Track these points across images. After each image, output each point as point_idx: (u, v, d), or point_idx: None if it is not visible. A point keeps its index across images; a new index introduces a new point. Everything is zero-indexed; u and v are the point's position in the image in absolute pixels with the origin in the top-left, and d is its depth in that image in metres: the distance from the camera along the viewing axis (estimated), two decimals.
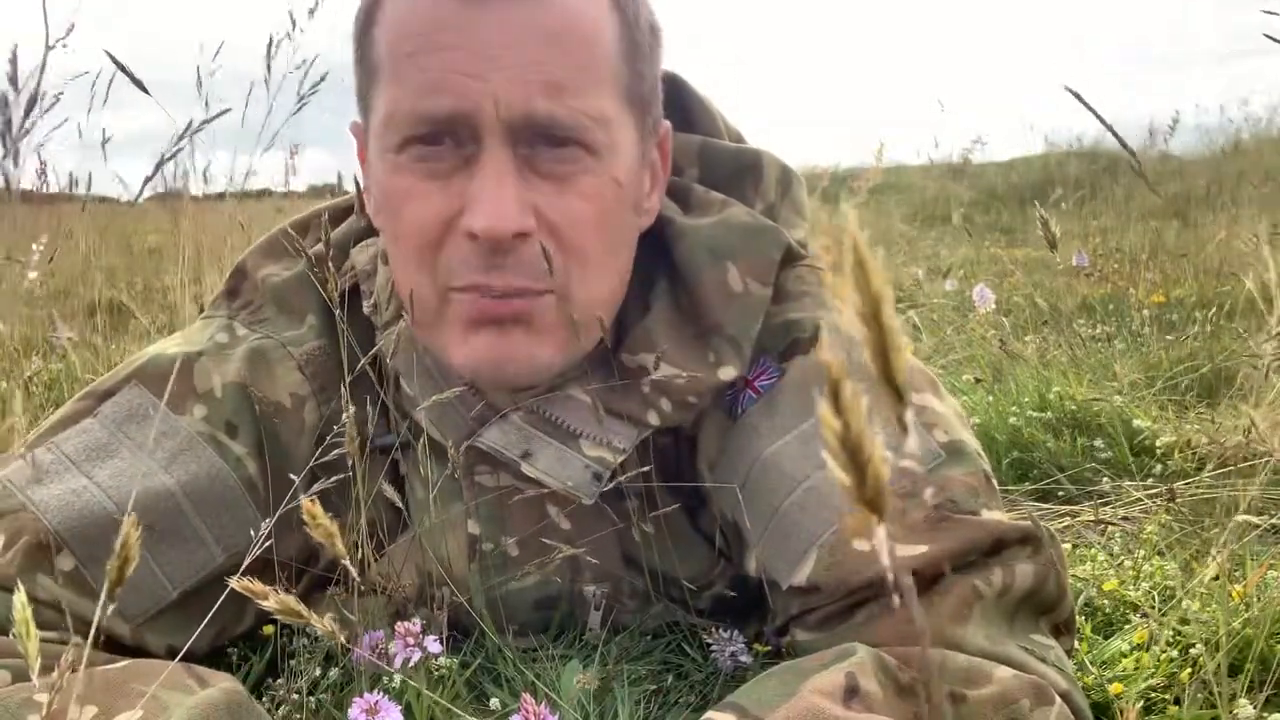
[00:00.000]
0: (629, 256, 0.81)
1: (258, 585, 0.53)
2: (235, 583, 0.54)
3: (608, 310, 0.80)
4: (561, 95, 0.71)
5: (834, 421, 0.24)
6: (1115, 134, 0.78)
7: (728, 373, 0.80)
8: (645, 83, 0.78)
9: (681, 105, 0.89)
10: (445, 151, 0.73)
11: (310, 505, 0.53)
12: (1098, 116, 0.75)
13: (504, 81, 0.70)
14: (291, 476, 0.79)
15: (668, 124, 0.83)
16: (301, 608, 0.54)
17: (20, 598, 0.41)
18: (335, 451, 0.78)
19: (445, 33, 0.70)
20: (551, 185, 0.73)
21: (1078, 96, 0.75)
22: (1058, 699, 0.63)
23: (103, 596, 0.40)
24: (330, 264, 0.80)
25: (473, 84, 0.70)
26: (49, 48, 0.55)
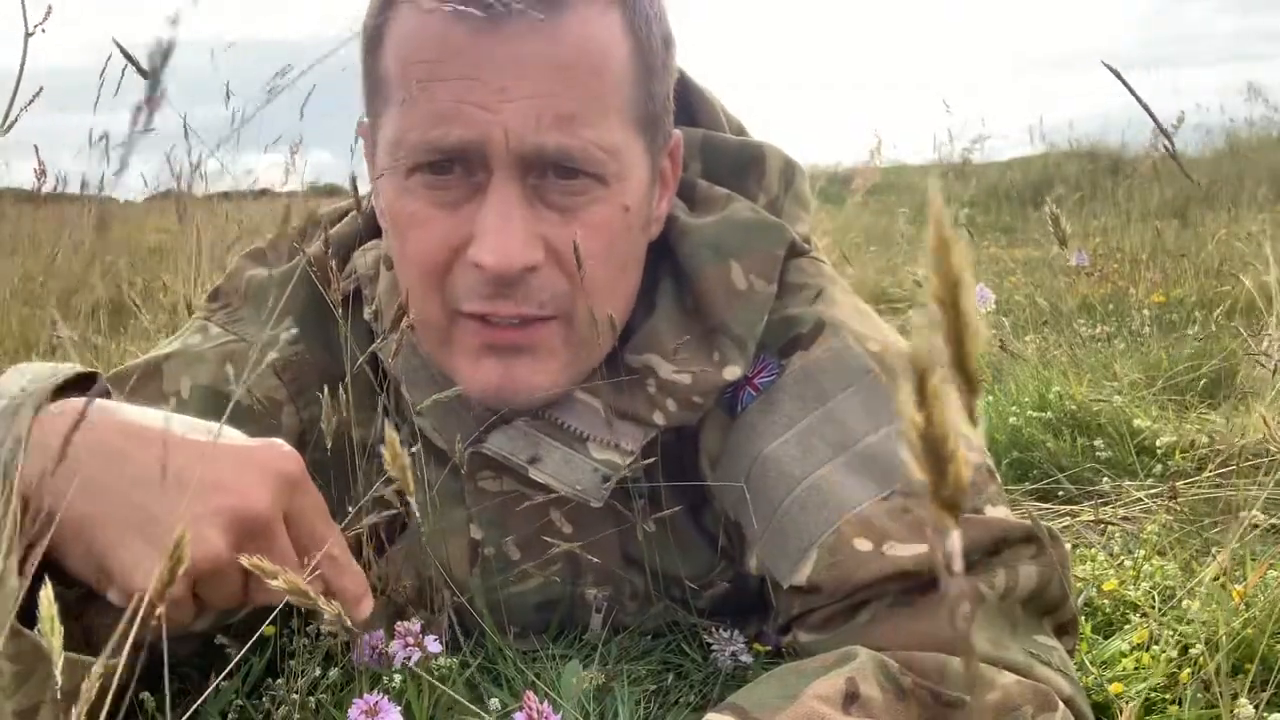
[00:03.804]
0: (638, 272, 0.81)
1: (266, 564, 0.53)
2: (246, 560, 0.55)
3: (620, 316, 0.80)
4: (572, 126, 0.70)
5: (916, 416, 0.21)
6: (1152, 115, 0.76)
7: (733, 372, 0.79)
8: (657, 101, 0.77)
9: (683, 98, 0.88)
10: (454, 180, 0.73)
11: (391, 436, 0.54)
12: (1136, 97, 0.73)
13: (515, 114, 0.69)
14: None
15: (678, 133, 0.82)
16: (310, 589, 0.54)
17: (47, 593, 0.42)
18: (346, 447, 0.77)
19: (456, 61, 0.70)
20: (560, 215, 0.73)
21: (1116, 74, 0.73)
22: (1061, 705, 0.63)
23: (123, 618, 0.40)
24: (333, 266, 0.80)
25: (482, 115, 0.69)
26: (28, 34, 0.55)
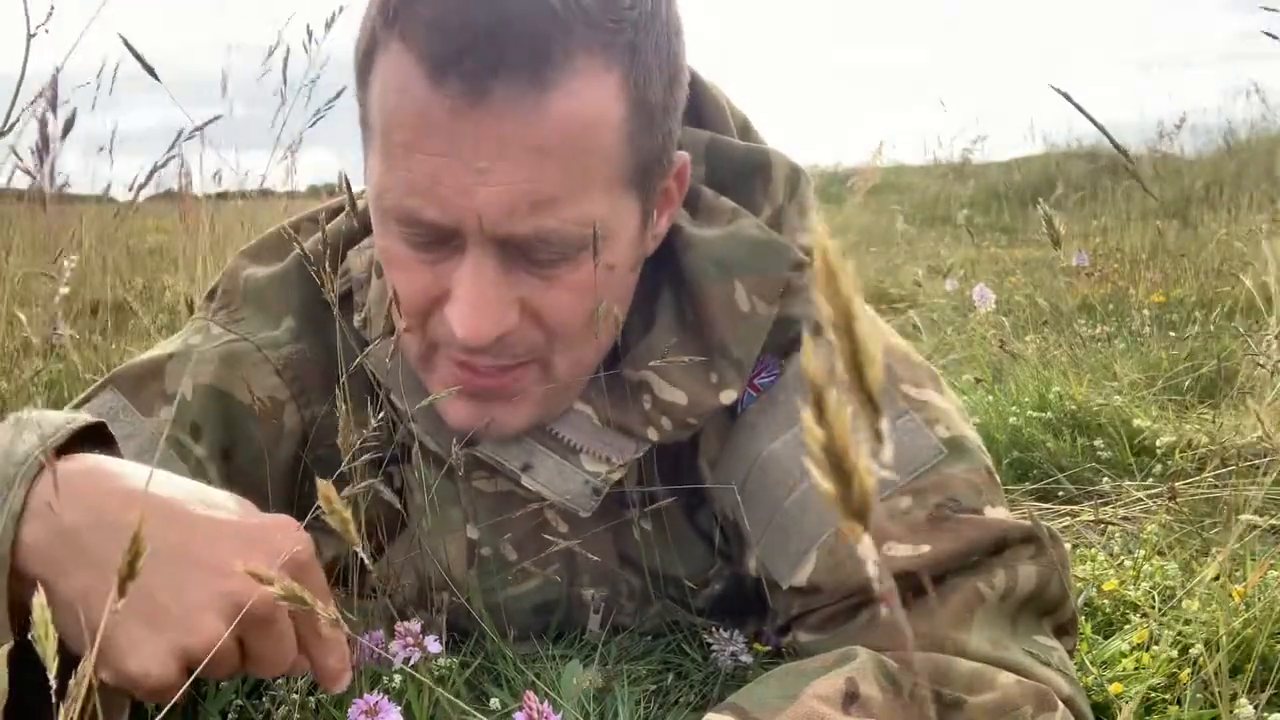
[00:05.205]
0: (626, 303, 0.80)
1: (262, 570, 0.53)
2: (240, 566, 0.54)
3: (604, 349, 0.79)
4: (552, 209, 0.68)
5: (818, 431, 0.23)
6: (1107, 135, 0.77)
7: (729, 396, 0.79)
8: (656, 144, 0.73)
9: (690, 98, 0.86)
10: (432, 242, 0.71)
11: (326, 489, 0.52)
12: (1089, 118, 0.74)
13: (490, 199, 0.67)
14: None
15: (685, 155, 0.79)
16: (306, 595, 0.54)
17: (40, 599, 0.41)
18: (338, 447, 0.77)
19: (433, 138, 0.67)
20: (541, 280, 0.71)
21: (1067, 98, 0.74)
22: (1060, 705, 0.63)
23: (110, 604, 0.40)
24: (327, 264, 0.79)
25: (457, 200, 0.67)
26: (30, 35, 0.55)
